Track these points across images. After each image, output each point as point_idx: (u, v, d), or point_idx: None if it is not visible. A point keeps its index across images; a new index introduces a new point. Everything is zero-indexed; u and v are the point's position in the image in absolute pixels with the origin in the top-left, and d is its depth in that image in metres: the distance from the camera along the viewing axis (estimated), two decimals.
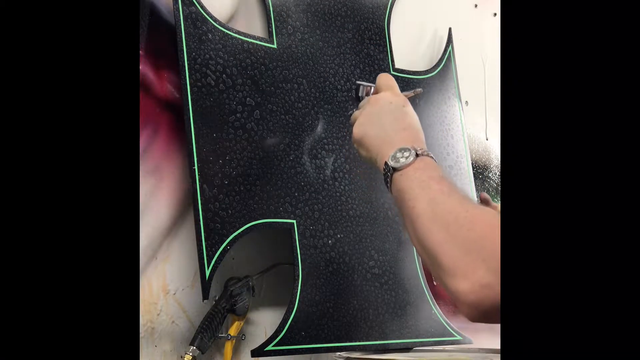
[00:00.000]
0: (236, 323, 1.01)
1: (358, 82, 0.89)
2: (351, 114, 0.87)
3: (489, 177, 1.58)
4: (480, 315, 0.60)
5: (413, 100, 1.30)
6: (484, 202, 1.09)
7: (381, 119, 0.80)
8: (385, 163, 0.74)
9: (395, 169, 0.72)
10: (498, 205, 1.11)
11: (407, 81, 1.31)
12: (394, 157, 0.73)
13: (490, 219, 0.62)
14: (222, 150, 0.99)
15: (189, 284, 1.02)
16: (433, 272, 0.66)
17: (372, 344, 1.10)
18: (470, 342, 1.24)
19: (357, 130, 0.82)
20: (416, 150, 0.72)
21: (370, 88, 0.87)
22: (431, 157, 0.73)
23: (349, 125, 1.16)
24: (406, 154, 0.72)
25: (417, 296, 1.20)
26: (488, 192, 1.56)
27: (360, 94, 0.88)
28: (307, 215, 1.07)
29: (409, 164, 0.71)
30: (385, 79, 0.86)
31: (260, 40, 1.09)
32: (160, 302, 0.98)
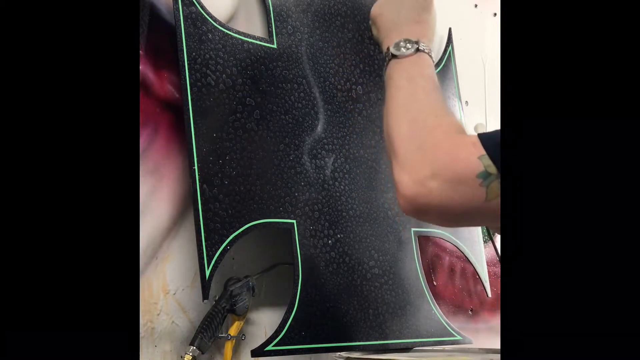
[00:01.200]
0: (236, 323, 1.01)
1: None
2: None
3: None
4: (411, 209, 0.66)
5: None
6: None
7: (400, 4, 0.84)
8: (388, 48, 0.78)
9: (394, 56, 0.77)
10: (473, 135, 1.13)
11: None
12: (397, 45, 0.77)
13: (451, 129, 0.67)
14: (222, 150, 0.99)
15: (189, 284, 1.02)
16: (388, 156, 0.71)
17: (372, 344, 1.10)
18: (470, 342, 1.24)
19: (375, 9, 0.86)
20: (419, 45, 0.76)
21: None
22: (431, 56, 0.77)
23: (352, 118, 1.17)
24: (409, 45, 0.76)
25: (417, 296, 1.20)
26: None
27: None
28: (307, 215, 1.07)
29: (407, 56, 0.76)
30: None
31: (260, 40, 1.09)
32: (160, 302, 0.98)
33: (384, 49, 0.80)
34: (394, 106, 0.73)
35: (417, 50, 0.76)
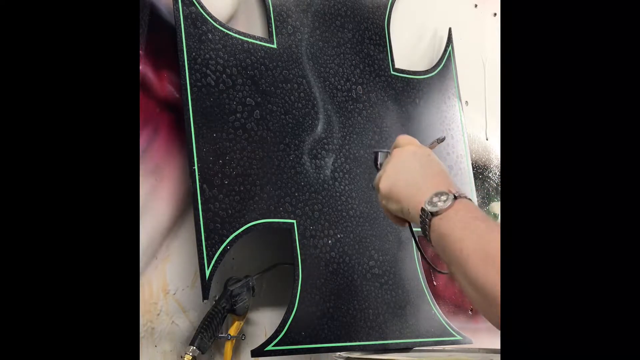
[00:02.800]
0: (236, 323, 1.01)
1: (375, 150, 0.86)
2: (373, 182, 0.82)
3: (489, 177, 1.58)
4: None
5: (413, 100, 1.31)
6: None
7: (409, 167, 0.77)
8: (422, 209, 0.70)
9: (433, 214, 0.69)
10: None
11: (407, 81, 1.31)
12: (431, 202, 0.69)
13: None
14: (222, 150, 0.99)
15: (189, 284, 1.02)
16: (486, 312, 0.63)
17: (372, 344, 1.10)
18: (470, 342, 1.24)
19: (384, 184, 0.78)
20: (454, 194, 0.69)
21: (389, 154, 0.83)
22: (469, 199, 0.70)
23: (353, 118, 1.17)
24: (443, 197, 0.69)
25: (417, 296, 1.20)
26: (488, 192, 1.56)
27: (379, 162, 0.84)
28: (307, 215, 1.07)
29: (449, 207, 0.68)
30: (405, 137, 0.83)
31: (260, 40, 1.09)
32: (160, 302, 0.98)
33: (416, 213, 0.71)
34: (467, 260, 0.64)
35: (455, 198, 0.68)
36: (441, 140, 0.91)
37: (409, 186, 0.75)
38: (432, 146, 0.84)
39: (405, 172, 0.77)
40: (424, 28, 1.47)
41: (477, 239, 0.64)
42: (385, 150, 0.86)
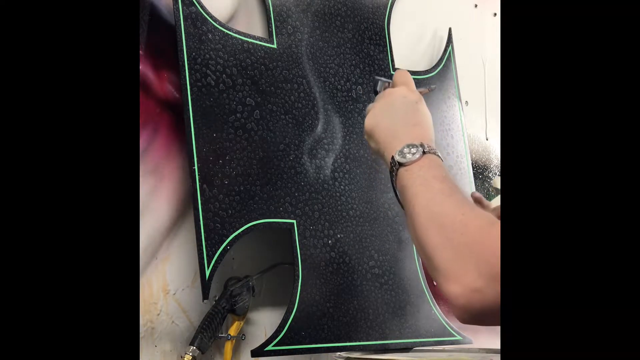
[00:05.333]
0: (236, 323, 1.01)
1: (377, 77, 0.90)
2: (366, 109, 0.87)
3: (489, 177, 1.58)
4: (469, 318, 0.61)
5: None
6: (476, 201, 1.09)
7: (393, 112, 0.81)
8: (392, 157, 0.74)
9: (401, 164, 0.73)
10: (491, 203, 1.11)
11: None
12: (401, 153, 0.73)
13: (484, 224, 0.62)
14: (222, 150, 0.99)
15: (189, 284, 1.02)
16: (429, 272, 0.67)
17: (372, 344, 1.10)
18: (470, 342, 1.24)
19: (369, 121, 0.82)
20: (423, 148, 0.72)
21: (389, 84, 0.87)
22: (438, 155, 0.73)
23: (352, 118, 1.17)
24: (413, 150, 0.73)
25: (417, 296, 1.20)
26: (488, 192, 1.56)
27: (378, 89, 0.88)
28: (307, 215, 1.07)
29: (415, 161, 0.72)
30: (402, 75, 0.87)
31: (260, 40, 1.09)
32: (160, 302, 0.98)
33: (388, 159, 0.76)
34: (416, 216, 0.67)
35: (424, 153, 0.72)
36: (432, 88, 0.97)
37: (388, 131, 0.79)
38: (422, 92, 0.87)
39: (389, 116, 0.80)
40: (424, 28, 1.47)
41: (429, 198, 0.68)
42: (385, 79, 0.89)
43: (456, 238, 0.63)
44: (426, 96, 1.20)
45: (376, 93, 0.88)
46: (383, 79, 0.89)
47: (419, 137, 0.75)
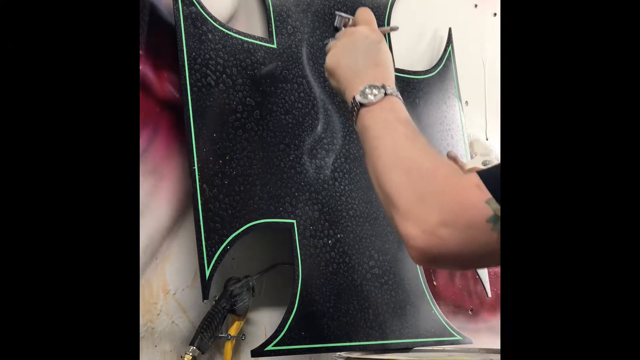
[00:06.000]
0: (236, 323, 1.01)
1: (337, 12, 0.89)
2: (327, 44, 0.86)
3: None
4: (426, 260, 0.64)
5: (413, 100, 1.31)
6: (451, 160, 1.09)
7: (355, 52, 0.81)
8: (354, 98, 0.75)
9: (362, 105, 0.73)
10: (467, 164, 1.11)
11: (407, 81, 1.31)
12: (363, 93, 0.74)
13: (451, 173, 0.65)
14: (222, 150, 0.99)
15: (189, 284, 1.02)
16: (385, 209, 0.68)
17: (372, 344, 1.10)
18: (470, 342, 1.24)
19: (330, 60, 0.83)
20: (385, 89, 0.73)
21: (349, 20, 0.87)
22: (399, 98, 0.74)
23: (349, 125, 1.17)
24: (375, 91, 0.73)
25: (417, 296, 1.20)
26: None
27: (337, 25, 0.88)
28: (307, 215, 1.07)
29: (377, 102, 0.73)
30: (364, 13, 0.87)
31: (260, 40, 1.09)
32: (160, 302, 0.98)
33: (349, 99, 0.76)
34: (379, 157, 0.69)
35: (385, 94, 0.73)
36: (394, 28, 0.97)
37: (350, 70, 0.79)
38: (384, 31, 0.87)
39: (351, 55, 0.81)
40: (424, 28, 1.47)
41: (392, 140, 0.69)
42: (345, 15, 0.88)
43: (422, 184, 0.65)
44: (426, 97, 1.20)
45: (335, 29, 0.87)
46: (343, 14, 0.88)
47: (380, 78, 0.75)
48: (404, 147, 0.68)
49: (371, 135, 0.71)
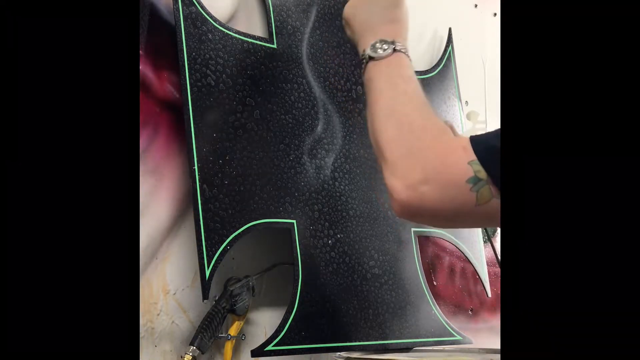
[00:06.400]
0: (236, 323, 1.01)
1: None
2: None
3: None
4: (406, 213, 0.67)
5: None
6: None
7: (373, 4, 0.82)
8: (364, 50, 0.77)
9: (371, 58, 0.76)
10: (464, 137, 1.11)
11: None
12: (373, 47, 0.76)
13: (440, 133, 0.67)
14: (222, 150, 0.99)
15: (189, 284, 1.02)
16: (378, 161, 0.71)
17: (372, 344, 1.10)
18: (470, 342, 1.24)
19: (348, 9, 0.84)
20: (395, 45, 0.76)
21: None
22: (407, 55, 0.77)
23: (353, 118, 1.17)
24: (385, 46, 0.76)
25: (417, 296, 1.20)
26: None
27: None
28: (307, 215, 1.07)
29: (385, 57, 0.75)
30: None
31: (260, 40, 1.09)
32: (160, 302, 0.98)
33: (360, 50, 0.79)
34: (378, 109, 0.72)
35: (394, 50, 0.76)
36: None
37: (365, 22, 0.81)
38: None
39: (369, 7, 0.82)
40: (424, 28, 1.47)
41: (392, 95, 0.72)
42: None
43: (411, 139, 0.67)
44: (426, 97, 1.19)
45: None
46: None
47: (392, 34, 0.78)
48: (401, 102, 0.71)
49: (373, 88, 0.74)
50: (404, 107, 0.71)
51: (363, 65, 0.77)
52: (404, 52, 0.76)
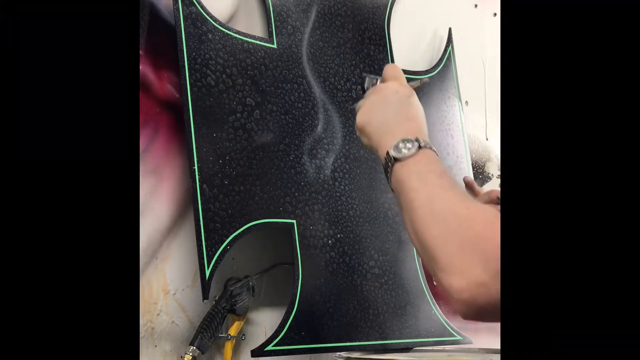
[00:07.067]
0: (236, 323, 1.01)
1: (364, 74, 0.88)
2: (355, 105, 0.85)
3: (488, 177, 1.58)
4: (473, 313, 0.60)
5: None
6: (467, 185, 1.08)
7: (385, 107, 0.79)
8: (387, 153, 0.73)
9: (396, 160, 0.72)
10: (483, 188, 1.10)
11: (407, 81, 1.31)
12: (396, 148, 0.72)
13: (489, 218, 0.62)
14: (222, 150, 0.99)
15: (189, 284, 1.02)
16: (427, 266, 0.66)
17: (372, 344, 1.10)
18: (470, 342, 1.24)
19: (361, 118, 0.81)
20: (419, 142, 0.71)
21: (377, 80, 0.86)
22: (433, 150, 0.72)
23: (353, 118, 1.17)
24: (409, 145, 0.71)
25: (417, 296, 1.20)
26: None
27: (366, 86, 0.87)
28: (307, 215, 1.07)
29: (411, 156, 0.71)
30: (392, 70, 0.86)
31: (260, 40, 1.09)
32: (160, 302, 0.98)
33: (382, 154, 0.74)
34: (415, 210, 0.66)
35: (419, 147, 0.71)
36: (425, 81, 0.94)
37: (381, 126, 0.77)
38: (414, 86, 0.85)
39: (381, 111, 0.79)
40: (424, 28, 1.48)
41: (429, 192, 0.67)
42: (373, 76, 0.87)
43: (461, 232, 0.62)
44: (426, 97, 1.20)
45: (364, 91, 0.87)
46: (371, 75, 0.88)
47: (413, 132, 0.74)
48: (440, 198, 0.66)
49: (406, 189, 0.69)
50: (443, 201, 0.65)
51: (389, 169, 0.72)
52: (430, 148, 0.72)
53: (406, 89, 0.82)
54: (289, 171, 1.07)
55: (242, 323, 1.02)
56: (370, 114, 0.80)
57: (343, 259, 1.10)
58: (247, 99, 1.04)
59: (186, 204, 1.02)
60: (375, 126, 0.78)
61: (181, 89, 0.97)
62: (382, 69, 0.85)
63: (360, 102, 0.83)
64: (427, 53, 1.47)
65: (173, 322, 0.99)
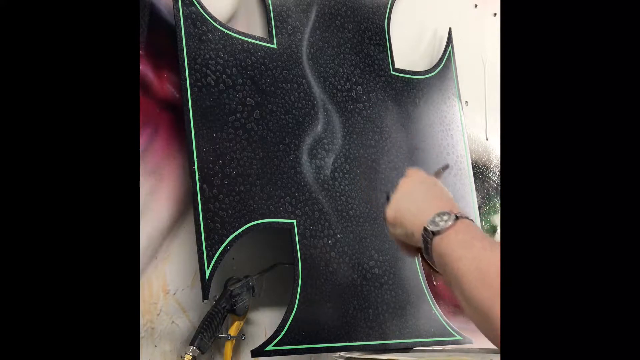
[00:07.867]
0: (236, 323, 1.01)
1: (387, 192, 0.87)
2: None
3: (489, 177, 1.58)
4: None
5: (413, 100, 1.31)
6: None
7: (414, 194, 0.78)
8: (425, 228, 0.71)
9: (435, 233, 0.69)
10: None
11: (407, 81, 1.31)
12: (433, 222, 0.70)
13: None
14: (222, 150, 0.99)
15: (189, 284, 1.02)
16: (481, 328, 0.64)
17: (372, 344, 1.10)
18: (470, 342, 1.24)
19: (389, 211, 0.79)
20: (455, 214, 0.70)
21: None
22: (471, 219, 0.70)
23: (353, 118, 1.17)
24: (445, 217, 0.70)
25: (417, 296, 1.20)
26: (488, 192, 1.56)
27: (389, 196, 0.86)
28: (307, 215, 1.07)
29: (450, 227, 0.69)
30: (414, 169, 0.84)
31: (260, 40, 1.09)
32: (160, 302, 0.98)
33: (419, 233, 0.72)
34: (464, 277, 0.64)
35: (457, 218, 0.69)
36: (446, 167, 0.91)
37: (412, 210, 0.76)
38: (437, 174, 0.85)
39: (410, 198, 0.77)
40: (424, 28, 1.48)
41: (473, 258, 0.65)
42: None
43: None
44: (426, 96, 1.19)
45: (388, 199, 0.84)
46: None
47: (447, 207, 0.72)
48: (487, 260, 0.63)
49: (451, 260, 0.67)
50: (490, 261, 0.63)
51: (429, 245, 0.70)
52: (467, 217, 0.70)
53: (431, 178, 0.81)
54: (289, 171, 1.07)
55: (242, 323, 1.02)
56: (398, 204, 0.78)
57: (343, 259, 1.10)
58: (247, 99, 1.04)
59: (186, 204, 1.02)
60: (406, 211, 0.76)
61: (181, 89, 0.97)
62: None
63: (387, 205, 0.81)
64: (427, 53, 1.47)
65: (173, 322, 0.99)
